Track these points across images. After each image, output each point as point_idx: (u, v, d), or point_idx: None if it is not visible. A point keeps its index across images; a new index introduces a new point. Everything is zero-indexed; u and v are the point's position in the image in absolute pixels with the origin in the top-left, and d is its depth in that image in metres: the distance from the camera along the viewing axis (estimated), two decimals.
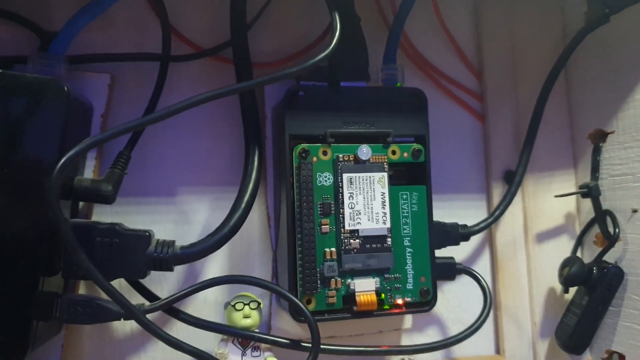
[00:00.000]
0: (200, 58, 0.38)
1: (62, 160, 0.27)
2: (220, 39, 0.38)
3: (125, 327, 0.35)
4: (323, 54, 0.31)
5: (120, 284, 0.33)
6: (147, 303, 0.32)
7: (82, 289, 0.34)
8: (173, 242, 0.32)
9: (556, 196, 0.43)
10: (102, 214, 0.35)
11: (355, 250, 0.34)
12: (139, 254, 0.31)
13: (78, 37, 0.32)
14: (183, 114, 0.37)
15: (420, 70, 0.42)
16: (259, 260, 0.38)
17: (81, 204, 0.34)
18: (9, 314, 0.28)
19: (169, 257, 0.31)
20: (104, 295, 0.30)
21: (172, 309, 0.33)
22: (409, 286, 0.35)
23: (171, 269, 0.32)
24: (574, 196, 0.44)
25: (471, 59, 0.44)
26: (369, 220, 0.34)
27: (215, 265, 0.37)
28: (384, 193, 0.34)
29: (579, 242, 0.43)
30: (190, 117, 0.38)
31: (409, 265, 0.35)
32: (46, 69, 0.31)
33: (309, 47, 0.39)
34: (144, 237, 0.31)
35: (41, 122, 0.29)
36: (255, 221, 0.38)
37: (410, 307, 0.35)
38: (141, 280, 0.34)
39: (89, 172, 0.34)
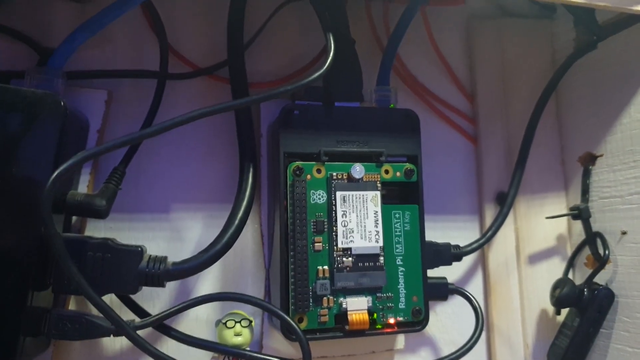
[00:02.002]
0: (197, 77, 0.38)
1: (56, 173, 0.27)
2: (218, 59, 0.38)
3: (115, 344, 0.35)
4: (317, 73, 0.32)
5: (111, 299, 0.33)
6: (137, 319, 0.31)
7: (72, 305, 0.34)
8: (165, 257, 0.32)
9: (547, 218, 0.43)
10: (96, 230, 0.35)
11: (347, 268, 0.34)
12: (130, 269, 0.31)
13: (76, 53, 0.33)
14: (178, 131, 0.37)
15: (414, 92, 0.43)
16: (251, 278, 0.38)
17: (74, 218, 0.34)
18: None
19: (160, 272, 0.31)
20: (94, 312, 0.30)
21: (163, 325, 0.32)
22: (401, 305, 0.35)
23: (163, 285, 0.31)
24: (565, 218, 0.44)
25: (464, 83, 0.45)
26: (361, 238, 0.34)
27: (207, 282, 0.37)
28: (376, 212, 0.35)
29: (570, 264, 0.43)
30: (185, 134, 0.38)
31: (401, 285, 0.35)
32: (43, 83, 0.32)
33: (304, 68, 0.40)
34: (136, 252, 0.31)
35: (37, 136, 0.29)
36: (249, 239, 0.38)
37: (402, 327, 0.35)
38: (132, 297, 0.33)
39: (83, 186, 0.34)
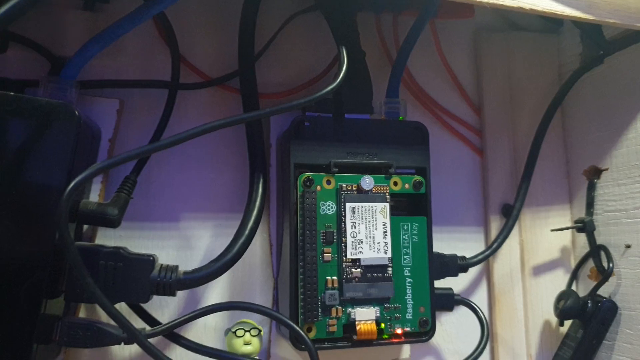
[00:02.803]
0: (208, 87, 0.39)
1: (71, 185, 0.27)
2: (228, 69, 0.39)
3: (124, 352, 0.35)
4: (329, 88, 0.32)
5: (120, 308, 0.33)
6: (148, 328, 0.32)
7: (82, 312, 0.34)
8: (176, 267, 0.32)
9: (552, 230, 0.43)
10: (106, 238, 0.35)
11: (356, 279, 0.34)
12: (142, 278, 0.31)
13: (88, 62, 0.33)
14: (188, 141, 0.38)
15: (422, 105, 0.43)
16: (260, 287, 0.38)
17: (85, 226, 0.35)
18: (10, 336, 0.28)
19: (172, 282, 0.31)
20: (104, 319, 0.30)
21: (173, 334, 0.33)
22: (409, 316, 0.35)
23: (174, 294, 0.32)
24: (569, 230, 0.45)
25: (471, 96, 0.45)
26: (370, 249, 0.35)
27: (216, 291, 0.37)
28: (385, 223, 0.35)
29: (574, 276, 0.44)
30: (196, 144, 0.38)
31: (409, 296, 0.35)
32: (57, 93, 0.32)
33: (314, 79, 0.40)
34: (148, 261, 0.31)
35: (51, 145, 0.29)
36: (257, 248, 0.38)
37: (409, 337, 0.35)
38: (142, 305, 0.34)
39: (95, 195, 0.35)
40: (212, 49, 0.40)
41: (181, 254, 0.37)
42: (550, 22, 0.47)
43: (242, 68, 0.37)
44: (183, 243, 0.37)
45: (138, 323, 0.33)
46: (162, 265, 0.32)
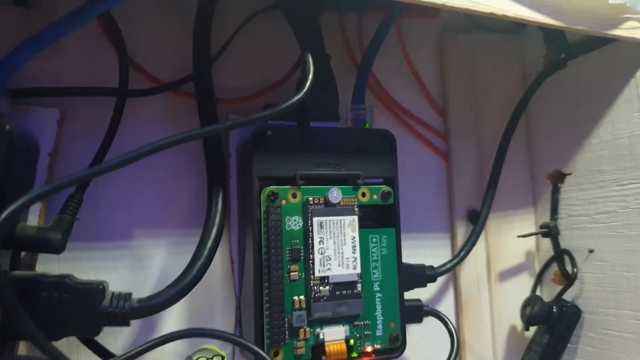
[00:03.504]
0: (161, 93, 0.35)
1: (4, 216, 0.24)
2: (182, 73, 0.36)
3: None
4: (295, 98, 0.30)
5: (68, 340, 0.30)
6: None
7: (22, 348, 0.31)
8: (130, 294, 0.29)
9: (519, 236, 0.43)
10: (49, 261, 0.32)
11: (325, 297, 0.32)
12: (92, 310, 0.28)
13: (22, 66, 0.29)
14: None
15: (387, 109, 0.42)
16: (221, 307, 0.36)
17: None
18: None
19: (125, 311, 0.29)
20: None
21: None
22: (379, 332, 0.34)
23: (127, 324, 0.29)
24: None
25: (436, 98, 0.44)
26: (339, 265, 0.33)
27: (173, 313, 0.35)
28: (354, 237, 0.33)
29: (539, 280, 0.44)
30: None
31: (379, 311, 0.34)
32: None
33: (277, 83, 0.38)
34: (98, 290, 0.29)
35: None
36: (218, 265, 0.36)
37: (380, 354, 0.34)
38: None
39: (34, 217, 0.31)
40: (164, 50, 0.36)
41: (134, 275, 0.34)
42: (513, 24, 0.46)
43: (198, 71, 0.34)
44: (136, 263, 0.34)
45: (89, 356, 0.30)
46: (113, 293, 0.29)
